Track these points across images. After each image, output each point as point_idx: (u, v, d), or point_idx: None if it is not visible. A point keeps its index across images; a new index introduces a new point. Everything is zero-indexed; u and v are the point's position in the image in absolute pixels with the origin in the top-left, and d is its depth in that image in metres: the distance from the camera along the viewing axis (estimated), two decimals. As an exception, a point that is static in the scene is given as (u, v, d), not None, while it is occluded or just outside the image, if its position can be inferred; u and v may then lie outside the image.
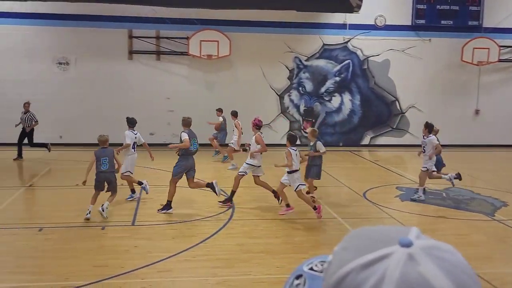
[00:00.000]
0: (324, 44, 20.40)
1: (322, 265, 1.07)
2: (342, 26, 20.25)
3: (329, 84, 20.67)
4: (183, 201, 11.52)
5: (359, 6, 16.99)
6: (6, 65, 18.60)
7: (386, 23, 20.51)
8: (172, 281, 7.32)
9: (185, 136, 10.66)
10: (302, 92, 20.60)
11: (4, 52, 18.55)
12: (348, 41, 20.47)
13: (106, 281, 7.19)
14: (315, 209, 10.31)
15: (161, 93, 19.59)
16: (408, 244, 0.87)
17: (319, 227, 10.10)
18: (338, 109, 20.84)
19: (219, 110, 17.16)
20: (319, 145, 11.51)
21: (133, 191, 11.59)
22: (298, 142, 11.17)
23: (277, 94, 20.44)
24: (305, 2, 16.83)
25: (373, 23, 20.46)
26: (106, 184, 10.09)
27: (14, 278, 7.34)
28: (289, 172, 10.30)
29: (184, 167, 10.63)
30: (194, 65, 19.78)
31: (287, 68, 20.36)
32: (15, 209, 10.85)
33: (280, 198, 10.85)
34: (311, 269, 1.08)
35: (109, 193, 10.21)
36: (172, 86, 19.73)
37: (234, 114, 16.45)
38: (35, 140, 16.19)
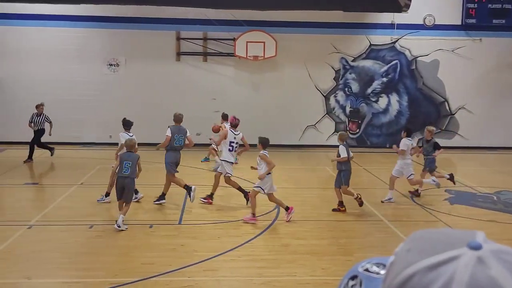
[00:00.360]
0: (371, 44, 20.18)
1: (378, 266, 1.08)
2: (390, 26, 19.98)
3: (376, 84, 20.43)
4: (229, 201, 11.62)
5: (407, 6, 16.73)
6: (59, 65, 19.20)
7: (435, 23, 20.10)
8: (218, 280, 7.39)
9: (167, 133, 11.27)
10: (348, 93, 20.43)
11: (58, 53, 19.15)
12: (396, 41, 20.18)
13: (153, 278, 7.33)
14: (286, 210, 10.12)
15: (207, 94, 19.80)
16: (477, 247, 0.86)
17: (366, 229, 10.00)
18: (385, 110, 20.56)
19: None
20: (341, 150, 10.77)
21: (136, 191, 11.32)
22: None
23: (323, 95, 20.34)
24: (353, 2, 16.69)
25: (422, 23, 20.10)
26: (123, 190, 9.54)
27: (65, 274, 7.57)
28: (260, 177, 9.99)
29: (174, 162, 11.13)
30: (240, 66, 19.90)
31: (333, 68, 20.23)
32: (67, 207, 11.18)
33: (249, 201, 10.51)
34: (367, 270, 1.08)
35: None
36: (218, 87, 19.91)
37: (225, 118, 15.44)
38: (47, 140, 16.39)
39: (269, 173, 10.00)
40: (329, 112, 20.47)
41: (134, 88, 19.51)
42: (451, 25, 20.19)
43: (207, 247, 8.64)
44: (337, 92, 20.40)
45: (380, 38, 20.13)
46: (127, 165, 9.43)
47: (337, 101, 20.45)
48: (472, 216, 11.01)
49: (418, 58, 20.35)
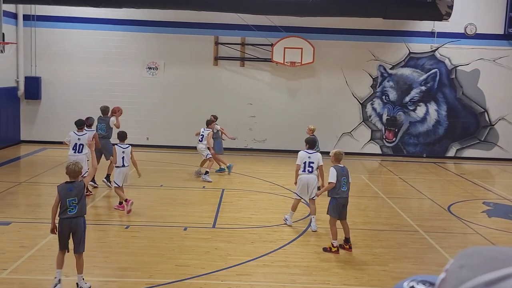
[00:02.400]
0: (410, 52, 19.96)
1: (424, 284, 1.08)
2: (430, 34, 19.72)
3: (414, 93, 20.18)
4: (263, 207, 11.65)
5: (448, 14, 16.49)
6: (100, 68, 19.60)
7: (477, 32, 19.76)
8: (251, 285, 7.42)
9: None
10: (385, 100, 20.23)
11: (99, 55, 19.55)
12: (436, 49, 19.91)
13: (188, 281, 7.40)
14: (125, 201, 10.70)
15: (243, 99, 19.90)
16: None
17: (401, 239, 9.88)
18: (423, 119, 20.28)
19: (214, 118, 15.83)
20: (331, 173, 8.94)
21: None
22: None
23: (360, 102, 20.20)
24: (393, 10, 16.54)
25: (463, 32, 19.78)
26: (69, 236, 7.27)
27: (102, 273, 7.71)
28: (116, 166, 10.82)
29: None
30: (277, 72, 19.94)
31: (370, 76, 20.08)
32: (104, 206, 11.39)
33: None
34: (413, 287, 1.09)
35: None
36: (254, 92, 20.00)
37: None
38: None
39: (119, 167, 10.89)
40: (366, 119, 20.31)
41: (171, 92, 19.76)
42: (493, 34, 19.82)
43: (240, 252, 8.68)
44: (374, 99, 20.23)
45: (420, 46, 19.89)
46: (72, 203, 6.82)
47: (374, 109, 20.28)
48: (510, 230, 10.77)
49: (458, 67, 20.02)
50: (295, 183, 10.19)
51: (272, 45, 19.26)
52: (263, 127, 19.95)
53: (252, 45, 19.71)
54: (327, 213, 8.97)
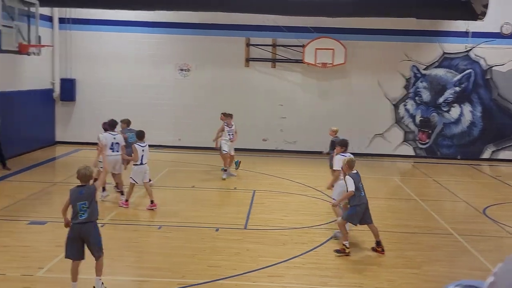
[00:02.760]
0: (444, 53, 19.64)
1: None
2: (464, 34, 19.37)
3: (448, 94, 19.86)
4: (294, 208, 11.62)
5: (483, 14, 16.17)
6: (133, 70, 19.87)
7: (513, 31, 19.34)
8: (283, 287, 7.41)
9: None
10: (418, 102, 19.96)
11: (132, 57, 19.82)
12: (471, 49, 19.54)
13: (219, 281, 7.44)
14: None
15: (274, 100, 19.90)
16: None
17: (433, 242, 9.73)
18: (457, 121, 19.93)
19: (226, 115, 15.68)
20: (348, 181, 8.72)
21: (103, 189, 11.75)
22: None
23: (392, 103, 19.98)
24: (426, 10, 16.30)
25: (499, 31, 19.37)
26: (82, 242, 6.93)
27: (135, 273, 7.81)
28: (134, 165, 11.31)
29: None
30: (308, 73, 19.88)
31: (403, 77, 19.84)
32: (137, 207, 11.52)
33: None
34: None
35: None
36: (285, 93, 19.98)
37: (232, 117, 15.27)
38: None
39: (138, 165, 11.25)
40: (398, 121, 20.07)
41: (203, 93, 19.89)
42: (530, 33, 19.37)
43: (272, 253, 8.68)
44: (407, 100, 19.98)
45: (454, 46, 19.56)
46: (82, 207, 6.66)
47: (407, 110, 20.03)
48: (549, 234, 10.50)
49: (494, 68, 19.62)
50: (330, 187, 9.78)
51: (303, 46, 19.21)
52: (293, 128, 19.91)
53: (284, 46, 19.70)
54: (344, 219, 8.81)
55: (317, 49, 18.99)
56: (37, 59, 15.94)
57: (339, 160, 9.34)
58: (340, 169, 9.23)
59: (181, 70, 19.99)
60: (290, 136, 19.96)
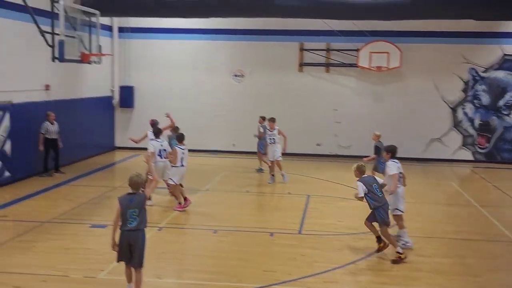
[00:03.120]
0: (504, 55, 19.03)
1: None
2: (526, 35, 18.73)
3: (508, 97, 19.21)
4: (349, 214, 11.53)
5: (547, 13, 15.58)
6: (188, 76, 20.27)
7: None
8: (338, 293, 7.38)
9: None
10: (477, 105, 19.40)
11: (188, 64, 20.22)
12: (533, 50, 18.86)
13: (275, 286, 7.47)
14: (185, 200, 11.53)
15: (328, 105, 19.82)
16: None
17: (495, 250, 9.44)
18: (519, 124, 19.27)
19: (264, 119, 16.30)
20: (358, 186, 8.77)
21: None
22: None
23: (450, 107, 19.51)
24: (485, 11, 15.82)
25: None
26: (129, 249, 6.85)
27: (191, 276, 7.93)
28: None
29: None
30: (363, 77, 19.69)
31: (461, 79, 19.34)
32: (193, 211, 11.71)
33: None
34: None
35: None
36: (339, 98, 19.86)
37: (274, 121, 15.23)
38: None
39: (178, 166, 11.52)
40: (456, 124, 19.57)
41: (257, 98, 20.02)
42: None
43: (327, 258, 8.65)
44: (465, 104, 19.47)
45: (515, 48, 18.94)
46: (132, 214, 6.67)
47: (465, 114, 19.50)
48: None
49: (558, 69, 18.86)
50: (392, 191, 9.10)
51: (357, 50, 19.05)
52: (348, 133, 19.75)
53: (338, 50, 19.60)
54: (382, 224, 8.68)
55: (371, 52, 18.80)
56: (97, 67, 16.48)
57: (392, 167, 9.12)
58: (396, 174, 9.05)
59: (236, 76, 20.22)
60: (345, 141, 19.82)
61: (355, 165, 9.07)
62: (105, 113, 20.11)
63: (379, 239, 8.86)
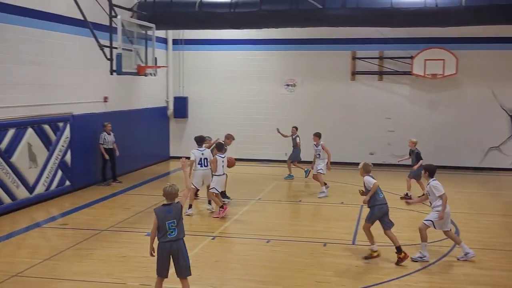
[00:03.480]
0: None
1: None
2: None
3: None
4: (404, 225, 11.34)
5: None
6: (241, 86, 20.51)
7: None
8: (393, 305, 7.27)
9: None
10: (539, 112, 18.74)
11: (240, 74, 20.47)
12: None
13: (328, 297, 7.44)
14: (221, 208, 11.64)
15: (382, 113, 19.59)
16: None
17: (558, 264, 9.08)
18: None
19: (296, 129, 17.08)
20: (367, 179, 9.26)
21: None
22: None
23: (509, 114, 18.89)
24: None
25: None
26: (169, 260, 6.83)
27: (244, 285, 8.00)
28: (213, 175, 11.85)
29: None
30: (417, 85, 19.36)
31: (521, 86, 18.74)
32: (246, 221, 11.81)
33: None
34: None
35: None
36: (393, 106, 19.60)
37: (319, 136, 14.70)
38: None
39: (220, 175, 11.83)
40: (516, 133, 18.95)
41: (309, 107, 20.03)
42: None
43: (382, 270, 8.55)
44: (525, 111, 18.84)
45: None
46: (171, 225, 6.68)
47: (525, 121, 18.85)
48: None
49: None
50: (441, 217, 8.89)
51: (411, 57, 18.77)
52: (402, 141, 19.36)
53: (391, 58, 19.37)
54: (367, 222, 9.19)
55: (426, 60, 18.47)
56: (152, 79, 16.90)
57: (440, 187, 8.95)
58: (445, 194, 8.94)
59: (287, 85, 20.30)
60: (398, 150, 19.45)
61: (361, 164, 9.53)
62: (160, 123, 20.59)
63: (399, 249, 8.83)
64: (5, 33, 11.88)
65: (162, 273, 6.75)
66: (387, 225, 9.05)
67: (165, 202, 6.78)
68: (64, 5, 13.70)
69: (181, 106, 20.93)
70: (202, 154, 12.17)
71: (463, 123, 19.01)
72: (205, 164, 12.11)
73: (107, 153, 15.35)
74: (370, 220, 9.16)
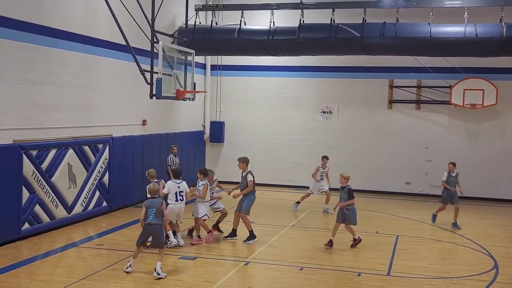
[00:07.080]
0: None
1: None
2: None
3: None
4: (441, 257, 11.12)
5: None
6: (277, 112, 20.61)
7: None
8: None
9: (250, 178, 12.51)
10: None
11: (276, 100, 20.59)
12: None
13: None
14: (208, 233, 11.94)
15: (419, 143, 19.36)
16: None
17: None
18: None
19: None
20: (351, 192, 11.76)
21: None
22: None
23: (551, 146, 18.44)
24: None
25: None
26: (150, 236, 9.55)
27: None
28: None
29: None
30: (455, 115, 19.12)
31: None
32: (280, 247, 11.76)
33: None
34: None
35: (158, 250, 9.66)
36: (430, 136, 19.36)
37: (327, 158, 16.26)
38: None
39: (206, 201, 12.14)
40: (556, 165, 18.44)
41: (345, 135, 19.96)
42: None
43: (417, 303, 8.37)
44: None
45: None
46: (151, 212, 9.34)
47: None
48: None
49: None
50: None
51: (450, 87, 18.58)
52: (439, 171, 19.01)
53: (429, 87, 19.22)
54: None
55: (465, 89, 18.25)
56: (190, 104, 17.15)
57: None
58: None
59: (324, 112, 20.30)
60: (436, 180, 19.12)
61: (343, 175, 12.00)
62: (197, 147, 20.79)
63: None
64: (50, 56, 12.30)
65: (140, 244, 9.50)
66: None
67: (149, 196, 9.67)
68: (108, 30, 14.12)
69: (217, 130, 21.15)
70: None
71: (503, 154, 18.63)
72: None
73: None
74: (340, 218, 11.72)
